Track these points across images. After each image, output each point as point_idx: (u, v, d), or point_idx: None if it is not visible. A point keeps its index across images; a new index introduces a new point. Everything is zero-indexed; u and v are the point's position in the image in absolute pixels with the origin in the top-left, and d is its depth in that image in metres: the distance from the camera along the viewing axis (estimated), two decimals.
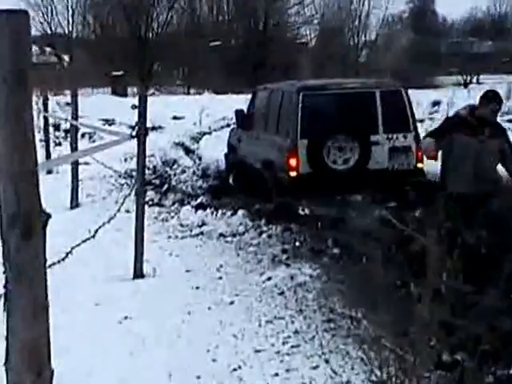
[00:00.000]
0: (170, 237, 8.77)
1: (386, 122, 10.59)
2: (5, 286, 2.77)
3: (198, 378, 4.64)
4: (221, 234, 8.65)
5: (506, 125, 19.53)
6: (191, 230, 8.97)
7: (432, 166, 12.19)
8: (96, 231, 5.90)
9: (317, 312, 5.82)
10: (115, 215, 6.71)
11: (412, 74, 36.20)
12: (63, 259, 4.68)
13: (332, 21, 47.09)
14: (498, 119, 21.04)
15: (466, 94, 28.00)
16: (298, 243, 7.94)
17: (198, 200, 10.26)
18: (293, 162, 10.41)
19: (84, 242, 5.13)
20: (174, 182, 12.68)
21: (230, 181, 13.17)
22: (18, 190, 2.68)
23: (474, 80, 46.31)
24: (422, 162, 10.86)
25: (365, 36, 48.76)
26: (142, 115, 6.89)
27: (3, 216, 2.73)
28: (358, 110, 10.64)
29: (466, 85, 42.29)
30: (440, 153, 7.32)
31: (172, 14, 43.25)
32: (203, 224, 9.12)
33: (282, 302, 6.12)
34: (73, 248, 5.00)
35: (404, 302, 6.05)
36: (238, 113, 13.03)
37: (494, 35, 70.60)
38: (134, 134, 6.84)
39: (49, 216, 2.93)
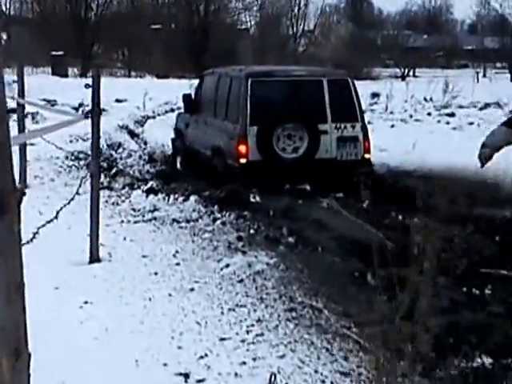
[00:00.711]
0: (122, 221, 8.64)
1: (333, 111, 10.62)
2: None
3: (165, 365, 4.58)
4: (174, 220, 8.55)
5: (445, 119, 19.94)
6: (143, 215, 8.85)
7: (378, 157, 12.39)
8: (58, 213, 5.78)
9: (278, 301, 5.79)
10: (73, 198, 6.60)
11: (350, 65, 36.42)
12: (31, 240, 4.56)
13: (271, 8, 47.08)
14: (436, 113, 21.29)
15: (404, 86, 28.28)
16: (252, 231, 7.90)
17: (149, 185, 10.11)
18: (242, 148, 10.37)
19: (48, 222, 5.01)
20: (121, 166, 12.52)
21: (178, 166, 13.07)
22: None
23: (410, 73, 46.80)
24: (369, 152, 10.95)
25: (303, 25, 48.85)
26: (96, 95, 6.74)
27: None
28: (307, 98, 10.66)
29: (403, 77, 42.75)
30: None
31: None
32: (155, 209, 9.00)
33: (243, 289, 6.08)
34: (39, 228, 4.88)
35: (362, 291, 6.11)
36: (186, 97, 12.91)
37: (428, 29, 71.73)
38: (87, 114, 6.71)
39: (23, 193, 2.83)
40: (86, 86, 19.96)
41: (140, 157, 14.18)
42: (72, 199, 6.03)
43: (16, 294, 2.61)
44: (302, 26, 48.51)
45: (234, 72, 11.47)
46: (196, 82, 26.45)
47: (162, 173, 12.38)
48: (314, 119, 10.41)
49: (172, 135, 14.13)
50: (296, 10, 47.63)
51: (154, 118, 21.80)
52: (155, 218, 8.67)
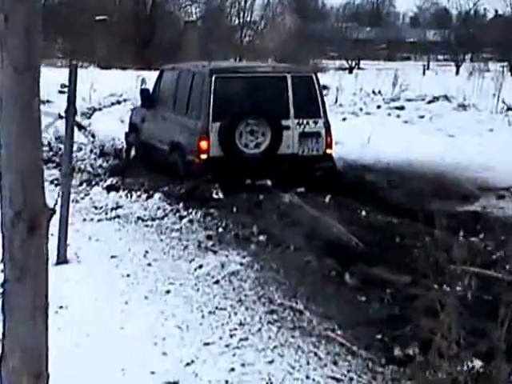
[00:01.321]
0: (85, 219, 8.44)
1: (296, 107, 10.59)
2: (2, 286, 2.56)
3: (153, 373, 4.45)
4: (139, 218, 8.40)
5: (395, 112, 20.06)
6: (106, 213, 8.67)
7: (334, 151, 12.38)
8: None
9: (257, 303, 5.71)
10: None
11: (297, 58, 36.46)
12: None
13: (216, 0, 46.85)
14: (386, 106, 21.37)
15: (352, 79, 28.40)
16: (221, 229, 7.81)
17: (109, 181, 9.90)
18: (204, 144, 10.26)
19: None
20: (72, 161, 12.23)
21: (132, 161, 12.85)
22: (25, 185, 2.50)
23: (354, 65, 47.05)
24: (331, 147, 10.93)
25: (250, 17, 48.75)
26: (72, 93, 6.55)
27: (6, 213, 2.53)
28: (270, 95, 10.61)
29: (350, 70, 42.94)
30: None
31: None
32: (118, 207, 8.83)
33: (220, 291, 5.98)
34: None
35: (341, 292, 6.07)
36: (144, 92, 12.72)
37: (372, 22, 72.30)
38: (62, 114, 6.50)
39: (54, 211, 2.73)
40: (62, 86, 19.38)
41: (91, 150, 13.89)
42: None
43: (41, 316, 2.50)
44: (248, 18, 48.35)
45: (197, 68, 11.33)
46: (143, 73, 26.35)
47: (116, 167, 12.15)
48: (277, 115, 10.36)
49: (125, 129, 13.92)
50: (243, 2, 47.44)
51: (100, 110, 21.48)
52: (119, 216, 8.51)
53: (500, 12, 69.90)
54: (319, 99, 10.80)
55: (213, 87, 10.27)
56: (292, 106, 10.57)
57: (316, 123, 10.71)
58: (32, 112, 2.52)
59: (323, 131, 10.73)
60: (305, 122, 10.63)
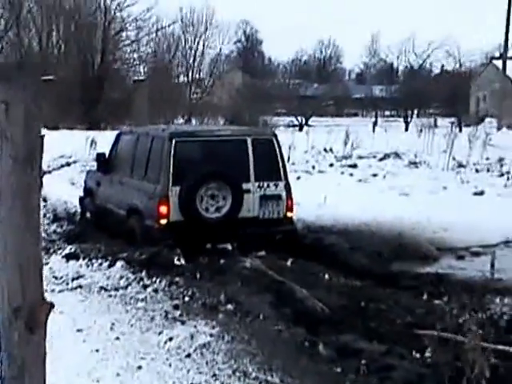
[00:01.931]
0: (45, 291, 8.29)
1: (257, 170, 10.67)
2: None
3: None
4: (102, 288, 8.29)
5: (348, 170, 20.29)
6: (67, 283, 8.55)
7: (302, 215, 12.47)
8: None
9: (232, 377, 5.66)
10: None
11: (247, 115, 36.80)
12: None
13: (165, 58, 47.21)
14: (338, 164, 21.62)
15: (303, 136, 28.72)
16: (187, 298, 7.75)
17: (67, 249, 9.79)
18: (163, 209, 10.24)
19: None
20: None
21: (87, 226, 12.73)
22: (23, 280, 2.48)
23: (303, 122, 47.59)
24: (291, 210, 11.00)
25: (199, 74, 49.18)
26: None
27: (3, 310, 2.50)
28: (230, 158, 10.66)
29: (301, 127, 43.39)
30: None
31: (2, 45, 41.91)
32: (79, 276, 8.71)
33: (193, 365, 5.92)
34: None
35: (316, 363, 6.05)
36: (99, 156, 12.67)
37: (319, 78, 73.50)
38: None
39: (53, 306, 2.71)
40: None
41: (44, 215, 13.73)
42: None
43: None
44: (196, 75, 48.76)
45: (156, 132, 11.36)
46: (93, 133, 26.33)
47: (72, 233, 12.04)
48: (238, 178, 10.40)
49: (76, 192, 13.85)
50: (191, 60, 47.85)
51: (50, 172, 21.31)
52: (81, 286, 8.38)
53: (446, 67, 71.91)
54: (280, 162, 10.89)
55: (172, 151, 10.30)
56: (252, 169, 10.64)
57: (277, 186, 10.79)
58: (32, 204, 2.52)
59: (284, 194, 10.82)
60: (265, 184, 10.70)
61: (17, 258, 2.48)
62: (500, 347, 6.14)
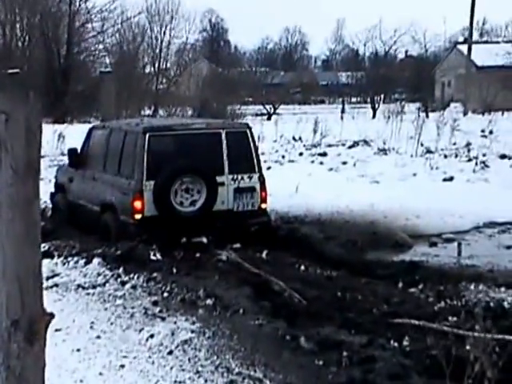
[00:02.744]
0: None
1: (231, 163, 10.66)
2: None
3: None
4: (79, 286, 8.25)
5: (318, 159, 20.34)
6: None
7: (275, 206, 12.50)
8: None
9: (215, 373, 5.68)
10: None
11: (214, 104, 36.70)
12: None
13: (130, 49, 46.91)
14: (308, 153, 21.64)
15: (272, 125, 28.74)
16: (166, 294, 7.74)
17: (42, 247, 9.70)
18: (138, 204, 10.20)
19: None
20: None
21: (59, 222, 12.62)
22: (23, 292, 2.48)
23: (272, 111, 47.54)
24: (265, 202, 11.01)
25: (165, 64, 48.94)
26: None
27: (1, 322, 2.49)
28: (204, 151, 10.63)
29: (269, 116, 43.34)
30: None
31: None
32: (55, 275, 8.65)
33: (176, 363, 5.92)
34: None
35: (298, 356, 6.08)
36: (71, 151, 12.55)
37: (285, 66, 73.52)
38: None
39: (52, 316, 2.70)
40: None
41: None
42: None
43: None
44: (163, 65, 48.51)
45: (129, 127, 11.28)
46: (60, 127, 26.11)
47: (44, 230, 11.89)
48: (212, 172, 10.39)
49: (46, 187, 13.69)
50: (157, 50, 47.62)
51: None
52: (57, 285, 8.33)
53: (411, 53, 72.28)
54: (253, 154, 10.88)
55: (146, 145, 10.24)
56: (226, 162, 10.63)
57: (251, 178, 10.78)
58: (31, 215, 2.51)
59: (258, 186, 10.82)
60: (239, 177, 10.69)
61: (16, 270, 2.47)
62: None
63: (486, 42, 62.64)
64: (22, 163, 2.38)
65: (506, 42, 56.49)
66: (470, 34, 50.08)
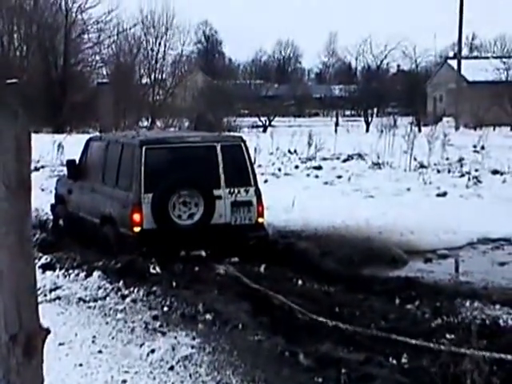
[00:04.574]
0: None
1: (227, 177, 10.64)
2: None
3: None
4: (80, 299, 8.23)
5: (313, 172, 20.33)
6: (45, 295, 8.47)
7: (272, 220, 12.48)
8: None
9: None
10: None
11: (211, 117, 36.73)
12: None
13: (126, 60, 46.92)
14: (303, 166, 21.52)
15: (267, 137, 28.73)
16: (166, 308, 7.73)
17: (43, 259, 9.70)
18: (136, 217, 10.19)
19: None
20: None
21: (60, 234, 12.58)
22: (20, 307, 2.48)
23: (266, 123, 47.56)
24: (262, 216, 11.00)
25: (160, 76, 48.95)
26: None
27: (1, 336, 2.49)
28: (201, 164, 10.65)
29: (265, 128, 43.33)
30: None
31: None
32: (57, 287, 8.63)
33: (177, 378, 5.91)
34: None
35: (297, 373, 6.08)
36: (70, 163, 12.54)
37: (279, 78, 73.63)
38: None
39: (48, 331, 2.70)
40: None
41: None
42: None
43: None
44: (159, 77, 48.54)
45: (126, 139, 11.27)
46: (59, 137, 26.06)
47: (45, 242, 11.88)
48: (209, 185, 10.38)
49: (46, 198, 13.72)
50: (153, 62, 47.63)
51: None
52: (59, 298, 8.31)
53: (402, 67, 72.50)
54: (249, 167, 10.88)
55: (143, 158, 10.25)
56: (223, 175, 10.61)
57: (247, 192, 10.76)
58: (25, 230, 2.51)
59: (254, 200, 10.80)
60: (236, 190, 10.67)
61: (12, 286, 2.47)
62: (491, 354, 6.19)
63: (476, 58, 62.80)
64: (14, 179, 2.39)
65: (495, 57, 56.67)
66: (460, 50, 50.28)
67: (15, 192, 2.50)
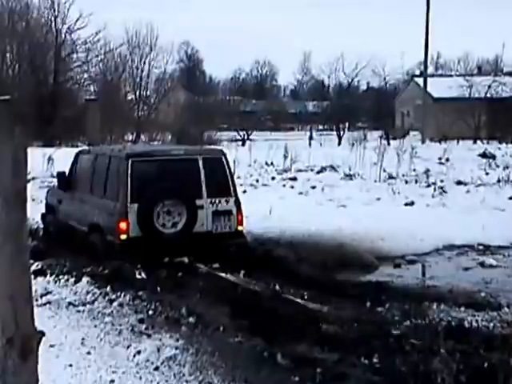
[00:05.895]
0: None
1: (209, 187, 10.67)
2: None
3: None
4: (70, 303, 8.18)
5: (289, 183, 20.33)
6: (36, 299, 8.36)
7: (250, 228, 12.47)
8: None
9: None
10: None
11: (192, 131, 36.69)
12: None
13: (113, 78, 46.87)
14: (279, 178, 21.43)
15: (246, 151, 28.79)
16: (151, 311, 7.70)
17: (35, 265, 9.61)
18: (123, 225, 10.18)
19: None
20: None
21: (50, 241, 12.52)
22: (16, 311, 2.47)
23: (245, 137, 47.57)
24: (242, 224, 11.01)
25: (146, 92, 48.95)
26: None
27: None
28: (184, 176, 10.67)
29: (243, 142, 43.32)
30: None
31: None
32: (48, 292, 8.57)
33: (162, 378, 5.88)
34: None
35: (275, 372, 6.07)
36: (60, 175, 12.53)
37: (256, 95, 73.81)
38: None
39: (43, 334, 2.69)
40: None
41: None
42: None
43: None
44: (144, 93, 48.55)
45: (113, 152, 11.27)
46: (49, 150, 25.93)
47: (36, 249, 11.80)
48: (192, 195, 10.40)
49: (37, 208, 13.64)
50: (138, 79, 47.64)
51: None
52: (50, 302, 8.25)
53: (372, 85, 72.88)
54: (229, 179, 10.93)
55: (130, 170, 10.27)
56: (204, 186, 10.63)
57: (227, 202, 10.79)
58: (21, 240, 2.51)
59: (234, 209, 10.83)
60: (217, 201, 10.70)
61: (8, 292, 2.46)
62: None
63: (441, 76, 63.33)
64: (10, 192, 2.39)
65: (459, 75, 57.15)
66: (425, 68, 50.75)
67: (12, 204, 2.49)
